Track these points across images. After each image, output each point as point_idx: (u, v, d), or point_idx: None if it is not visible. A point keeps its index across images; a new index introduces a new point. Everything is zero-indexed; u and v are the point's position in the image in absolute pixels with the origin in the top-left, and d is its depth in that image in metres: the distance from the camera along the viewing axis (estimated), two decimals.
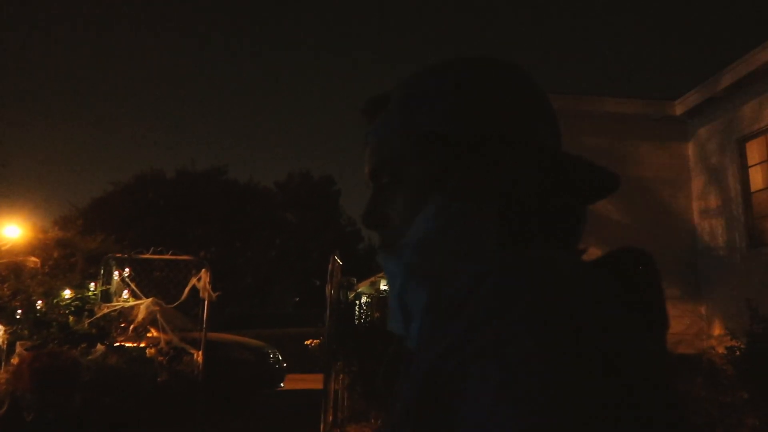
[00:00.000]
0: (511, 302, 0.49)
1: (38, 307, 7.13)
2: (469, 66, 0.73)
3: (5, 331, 6.60)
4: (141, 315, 7.26)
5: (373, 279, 20.46)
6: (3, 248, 6.99)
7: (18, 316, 6.96)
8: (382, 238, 0.73)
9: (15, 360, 5.73)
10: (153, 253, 7.84)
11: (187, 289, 7.66)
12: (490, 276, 0.53)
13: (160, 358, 7.31)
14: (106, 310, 7.56)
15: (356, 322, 9.61)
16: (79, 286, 7.71)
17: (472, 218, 0.64)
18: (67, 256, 8.11)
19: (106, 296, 8.01)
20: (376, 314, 10.41)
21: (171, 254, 7.87)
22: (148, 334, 7.70)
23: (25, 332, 6.70)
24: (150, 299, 7.43)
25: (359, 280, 17.41)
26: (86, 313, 7.43)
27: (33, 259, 7.05)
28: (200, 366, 7.48)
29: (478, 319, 0.50)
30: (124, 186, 30.45)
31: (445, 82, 0.71)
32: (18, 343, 6.23)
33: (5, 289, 6.81)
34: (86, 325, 7.14)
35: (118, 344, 7.38)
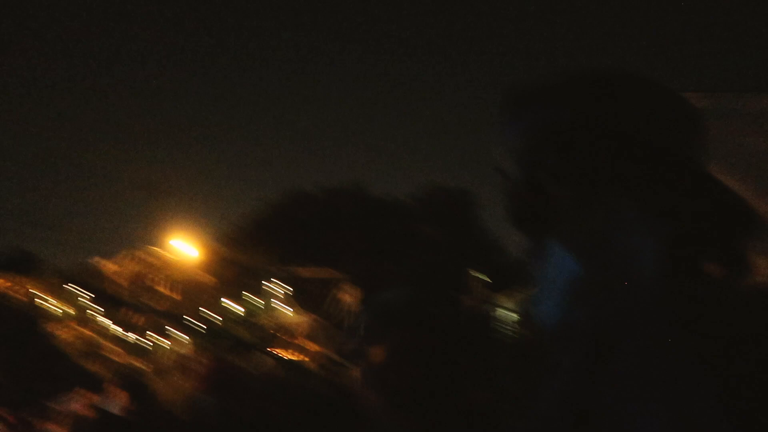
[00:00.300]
0: (674, 345, 0.52)
1: (211, 320, 7.86)
2: (626, 79, 0.73)
3: (183, 341, 7.37)
4: (300, 328, 7.72)
5: (514, 292, 19.96)
6: (184, 266, 7.83)
7: (194, 328, 7.72)
8: (532, 243, 0.72)
9: (194, 368, 6.36)
10: (307, 269, 8.33)
11: (338, 304, 8.03)
12: (651, 314, 0.55)
13: (318, 371, 7.69)
14: (267, 323, 8.13)
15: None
16: (243, 300, 8.38)
17: (632, 236, 0.64)
18: (232, 272, 8.85)
19: (266, 310, 8.59)
20: (521, 330, 10.13)
21: (322, 270, 8.31)
22: (306, 347, 8.15)
23: (201, 342, 7.42)
24: (308, 313, 7.89)
25: (499, 294, 17.07)
26: (251, 325, 8.05)
27: (208, 276, 7.80)
28: (355, 381, 7.77)
29: (635, 357, 0.53)
30: (273, 202, 32.33)
31: (597, 89, 0.71)
32: (195, 352, 6.92)
33: (186, 304, 7.61)
34: (252, 337, 7.75)
35: (279, 356, 7.90)
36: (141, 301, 7.75)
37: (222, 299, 8.05)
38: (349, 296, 8.05)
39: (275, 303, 8.61)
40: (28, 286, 9.02)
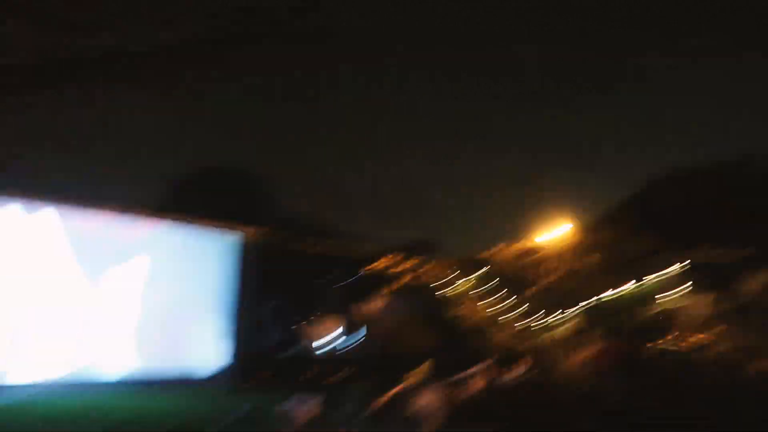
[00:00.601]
0: None
1: (603, 302, 7.68)
2: None
3: (575, 321, 7.36)
4: (698, 313, 6.93)
5: None
6: (572, 251, 7.83)
7: (586, 309, 7.67)
8: None
9: (588, 348, 6.27)
10: (710, 249, 7.44)
11: (749, 288, 6.93)
12: None
13: (718, 358, 6.79)
14: (657, 308, 7.56)
15: None
16: (635, 282, 7.94)
17: None
18: (621, 254, 8.49)
19: (651, 293, 8.02)
20: None
21: (726, 251, 7.28)
22: (705, 333, 7.29)
23: (595, 323, 7.28)
24: (708, 297, 7.03)
25: None
26: (645, 307, 7.59)
27: (593, 256, 7.65)
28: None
29: None
30: (664, 179, 29.90)
31: None
32: (588, 332, 6.83)
33: (576, 286, 7.59)
34: (645, 319, 7.29)
35: (675, 340, 7.24)
36: (532, 283, 8.08)
37: (613, 282, 7.81)
38: (762, 279, 6.87)
39: (671, 286, 7.95)
40: (432, 269, 10.33)
